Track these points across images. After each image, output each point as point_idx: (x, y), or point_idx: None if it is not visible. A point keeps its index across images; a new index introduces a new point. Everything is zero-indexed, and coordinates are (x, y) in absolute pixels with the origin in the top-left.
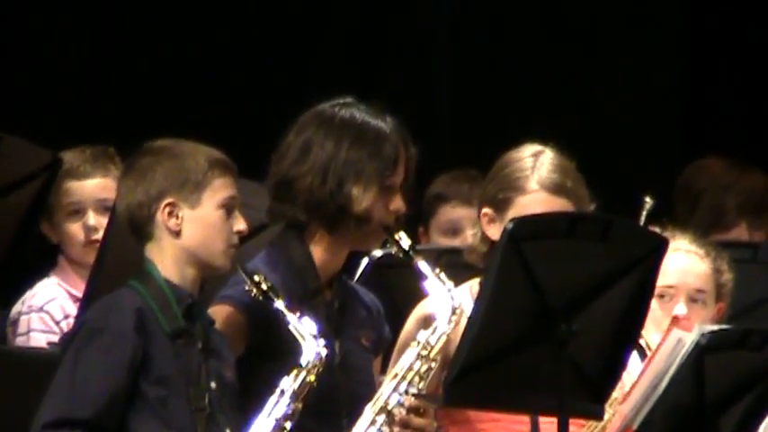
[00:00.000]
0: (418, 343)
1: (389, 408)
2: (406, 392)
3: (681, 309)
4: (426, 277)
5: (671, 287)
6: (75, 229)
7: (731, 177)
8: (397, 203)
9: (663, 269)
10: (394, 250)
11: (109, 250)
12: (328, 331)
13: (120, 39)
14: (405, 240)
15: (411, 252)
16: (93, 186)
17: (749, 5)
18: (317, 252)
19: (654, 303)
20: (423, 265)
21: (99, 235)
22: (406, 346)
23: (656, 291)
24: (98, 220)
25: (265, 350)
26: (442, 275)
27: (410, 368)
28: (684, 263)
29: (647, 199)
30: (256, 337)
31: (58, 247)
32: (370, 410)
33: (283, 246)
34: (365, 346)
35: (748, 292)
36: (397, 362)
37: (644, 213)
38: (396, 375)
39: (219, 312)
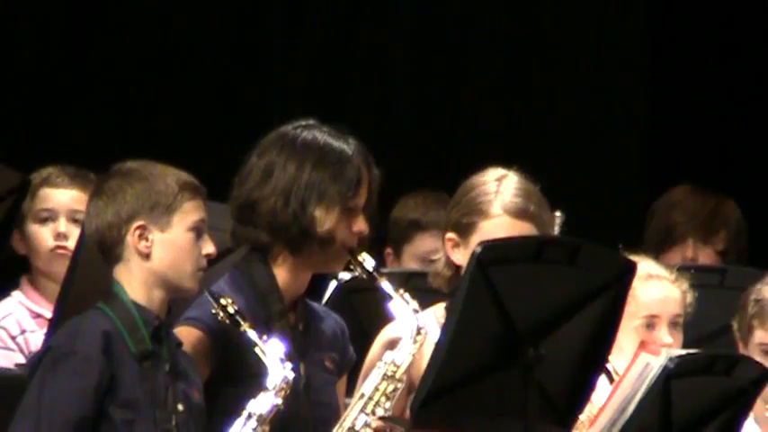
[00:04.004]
0: (384, 363)
1: (356, 429)
2: (373, 413)
3: (668, 338)
4: (391, 298)
5: (655, 316)
6: (44, 234)
7: (680, 197)
8: (360, 225)
9: (642, 299)
10: (358, 271)
11: (77, 272)
12: (293, 354)
13: (85, 60)
14: (368, 261)
15: (375, 273)
16: (68, 196)
17: (714, 37)
18: (281, 274)
19: (633, 333)
20: (386, 285)
21: (67, 243)
22: (371, 370)
23: (643, 321)
24: (68, 229)
25: (231, 373)
26: (407, 296)
27: (376, 389)
28: (663, 290)
29: (558, 213)
30: (222, 360)
31: (23, 266)
32: None
33: (247, 268)
34: (328, 368)
35: (715, 317)
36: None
37: (556, 228)
38: (362, 396)
39: (185, 334)
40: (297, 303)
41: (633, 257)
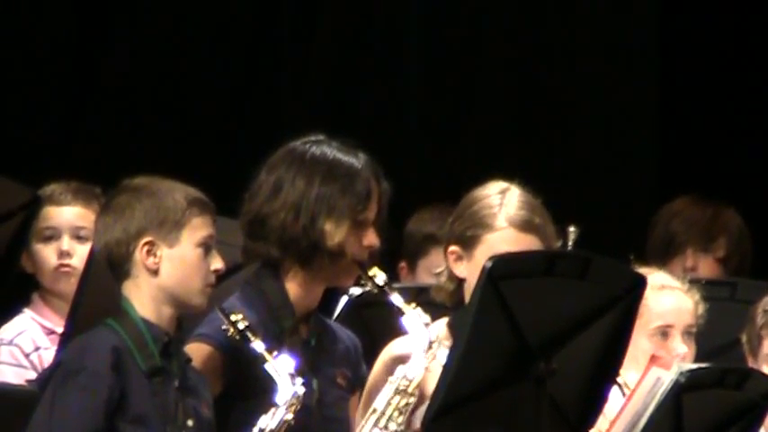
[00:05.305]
0: (396, 377)
1: None
2: (386, 428)
3: (682, 348)
4: (403, 313)
5: (669, 326)
6: (47, 252)
7: (680, 207)
8: (371, 239)
9: (656, 309)
10: (368, 286)
11: (87, 288)
12: (305, 369)
13: (95, 76)
14: (379, 276)
15: (385, 287)
16: (71, 213)
17: (724, 46)
18: (292, 288)
19: (645, 343)
20: (397, 299)
21: (71, 261)
22: (374, 388)
23: (657, 331)
24: (72, 246)
25: (242, 388)
26: (418, 310)
27: (389, 403)
28: (676, 301)
29: (572, 228)
30: (233, 376)
31: (33, 283)
32: None
33: (258, 283)
34: (341, 384)
35: (726, 330)
36: (366, 404)
37: (569, 243)
38: (375, 411)
39: (196, 351)
40: (309, 318)
41: (644, 269)
